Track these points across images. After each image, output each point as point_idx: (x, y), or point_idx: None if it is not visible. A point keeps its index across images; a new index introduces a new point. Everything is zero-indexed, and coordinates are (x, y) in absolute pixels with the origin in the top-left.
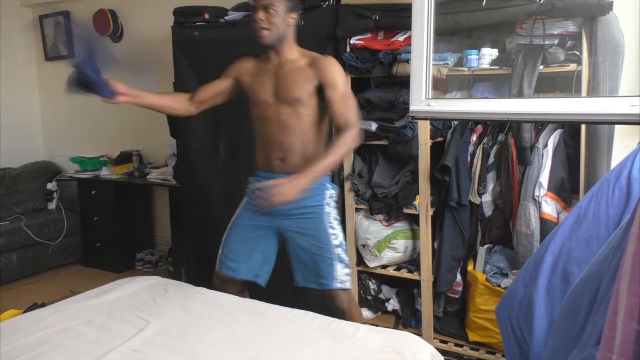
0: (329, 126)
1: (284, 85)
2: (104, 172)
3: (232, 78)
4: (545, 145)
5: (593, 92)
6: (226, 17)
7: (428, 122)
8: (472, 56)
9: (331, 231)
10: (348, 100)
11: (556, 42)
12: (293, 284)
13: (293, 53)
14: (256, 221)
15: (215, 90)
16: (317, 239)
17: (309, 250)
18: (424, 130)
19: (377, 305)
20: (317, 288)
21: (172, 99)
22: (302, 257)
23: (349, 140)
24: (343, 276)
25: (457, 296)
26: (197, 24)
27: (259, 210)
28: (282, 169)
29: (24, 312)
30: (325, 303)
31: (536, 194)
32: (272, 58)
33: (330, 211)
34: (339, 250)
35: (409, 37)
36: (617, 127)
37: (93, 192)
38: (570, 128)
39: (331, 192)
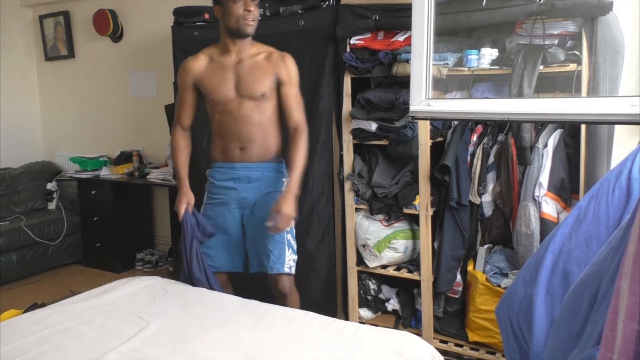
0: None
1: (248, 82)
2: (104, 172)
3: (193, 88)
4: (545, 145)
5: (593, 92)
6: None
7: (428, 122)
8: (472, 56)
9: None
10: (299, 99)
11: (556, 42)
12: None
13: (252, 48)
14: (225, 217)
15: (193, 109)
16: (269, 236)
17: (263, 235)
18: (424, 130)
19: (377, 305)
20: (267, 272)
21: (187, 150)
22: (258, 242)
23: (305, 143)
24: (291, 262)
25: (457, 296)
26: (197, 24)
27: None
28: (242, 158)
29: (24, 312)
30: (268, 287)
31: (536, 194)
32: (230, 52)
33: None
34: (289, 237)
35: (409, 37)
36: (617, 127)
37: (93, 192)
38: (570, 128)
39: (287, 180)
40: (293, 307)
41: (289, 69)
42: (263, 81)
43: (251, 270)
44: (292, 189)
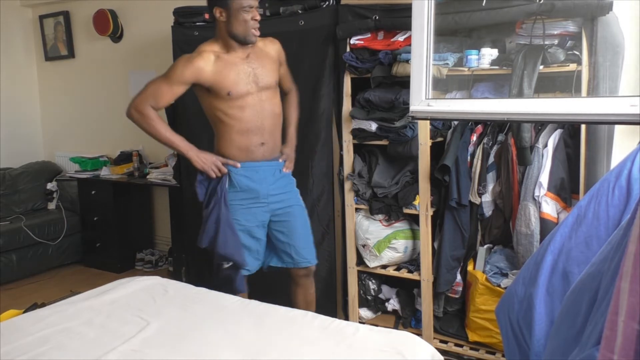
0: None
1: (263, 73)
2: (104, 172)
3: (187, 84)
4: (545, 145)
5: (593, 92)
6: None
7: (428, 122)
8: (472, 56)
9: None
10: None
11: (556, 42)
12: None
13: None
14: (250, 222)
15: (173, 98)
16: (299, 224)
17: (297, 233)
18: (424, 130)
19: (377, 305)
20: (306, 266)
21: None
22: (283, 240)
23: (297, 100)
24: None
25: (457, 296)
26: (197, 24)
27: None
28: (262, 155)
29: (24, 312)
30: (297, 280)
31: (536, 194)
32: (236, 49)
33: (304, 207)
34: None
35: (409, 37)
36: (617, 127)
37: (93, 192)
38: (570, 128)
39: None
40: (314, 297)
41: (282, 50)
42: (274, 70)
43: (285, 266)
44: (293, 139)
